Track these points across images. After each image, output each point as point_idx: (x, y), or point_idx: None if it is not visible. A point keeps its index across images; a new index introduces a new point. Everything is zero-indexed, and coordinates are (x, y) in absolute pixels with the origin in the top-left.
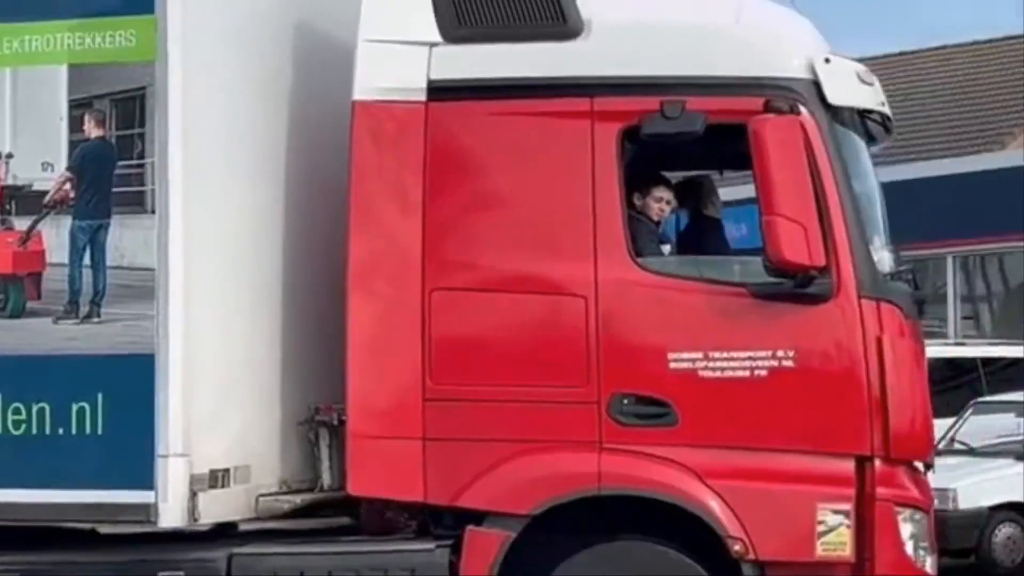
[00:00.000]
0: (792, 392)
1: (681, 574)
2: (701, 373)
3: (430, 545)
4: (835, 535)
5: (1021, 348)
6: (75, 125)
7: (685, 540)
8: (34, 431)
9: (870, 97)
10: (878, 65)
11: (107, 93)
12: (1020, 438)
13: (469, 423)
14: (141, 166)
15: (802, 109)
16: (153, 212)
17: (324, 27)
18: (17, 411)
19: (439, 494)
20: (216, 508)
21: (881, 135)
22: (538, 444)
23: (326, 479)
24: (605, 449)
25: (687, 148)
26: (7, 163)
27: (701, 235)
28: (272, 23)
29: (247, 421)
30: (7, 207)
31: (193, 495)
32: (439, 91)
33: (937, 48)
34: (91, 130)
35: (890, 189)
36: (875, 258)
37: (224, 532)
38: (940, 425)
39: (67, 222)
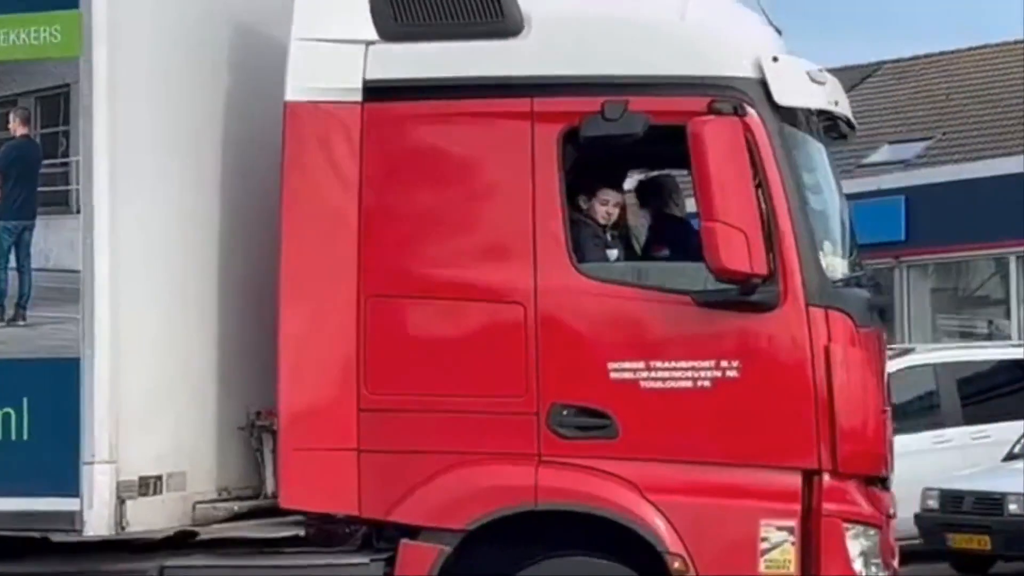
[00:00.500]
0: (736, 404)
1: None
2: (643, 384)
3: (365, 559)
4: (779, 552)
5: None
6: None
7: (627, 556)
8: None
9: (822, 97)
10: (929, 63)
11: (32, 90)
12: None
13: (405, 434)
14: (66, 165)
15: (748, 110)
16: (78, 212)
17: (264, 26)
18: None
19: (374, 507)
20: (148, 516)
21: (842, 135)
22: (475, 456)
23: (269, 485)
24: (544, 462)
25: (634, 150)
26: None
27: (663, 236)
28: (206, 21)
29: (181, 427)
30: None
31: (121, 503)
32: (375, 91)
33: (978, 47)
34: (16, 128)
35: (951, 189)
36: (825, 264)
37: (182, 541)
38: (1011, 428)
39: None
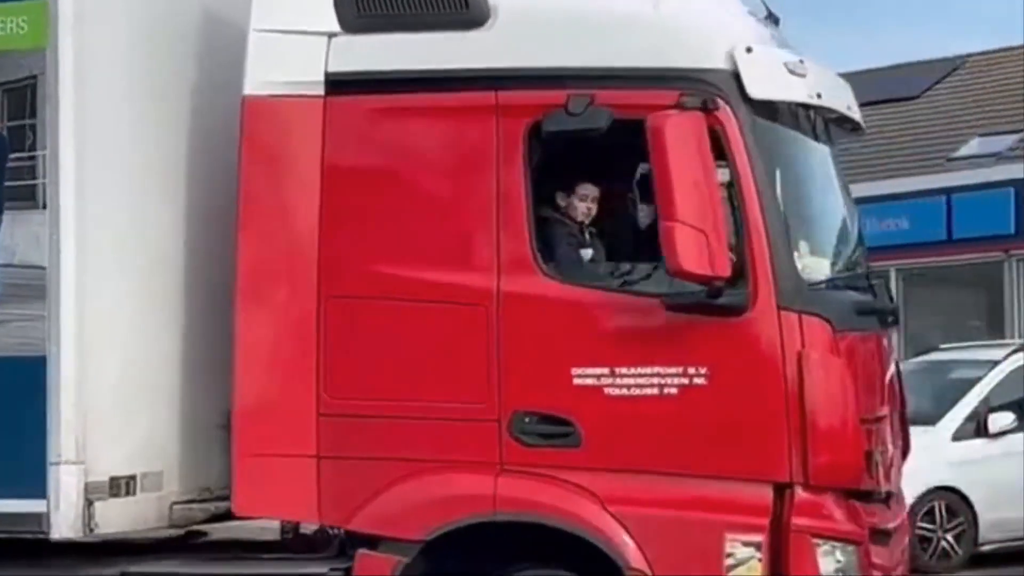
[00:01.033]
0: (703, 412)
1: None
2: (607, 391)
3: (323, 568)
4: (745, 569)
5: None
6: None
7: (591, 568)
8: None
9: (801, 90)
10: (1015, 55)
11: None
12: None
13: (366, 440)
14: (33, 159)
15: (719, 103)
16: (45, 207)
17: (235, 17)
18: None
19: (334, 515)
20: (120, 517)
21: (843, 131)
22: (436, 464)
23: None
24: (505, 471)
25: (606, 145)
26: None
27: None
28: (175, 12)
29: (155, 426)
30: None
31: (89, 504)
32: (338, 85)
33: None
34: None
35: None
36: (803, 266)
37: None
38: None
39: None
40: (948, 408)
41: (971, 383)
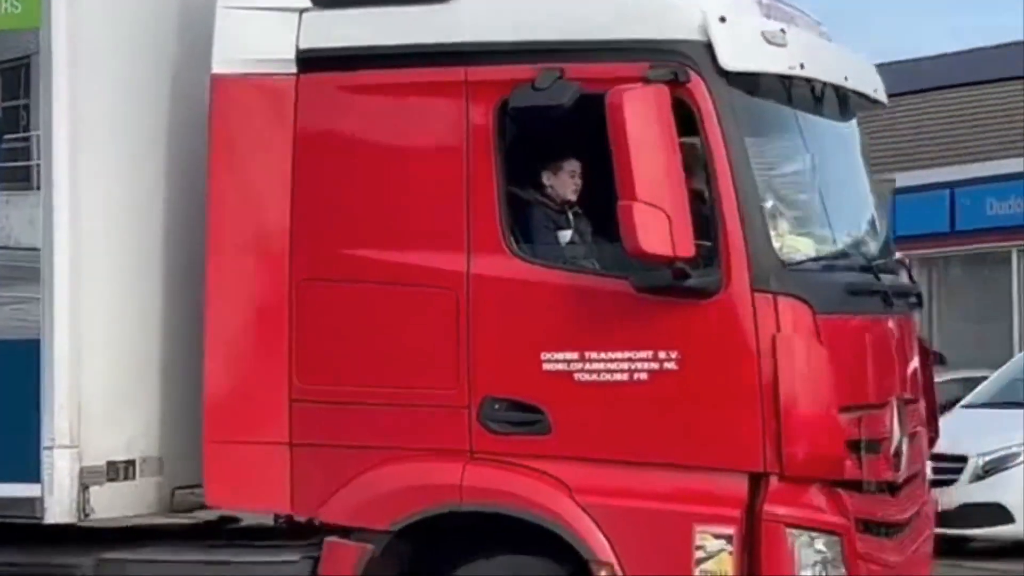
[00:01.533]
0: (674, 399)
1: None
2: (576, 376)
3: (295, 556)
4: (715, 563)
5: None
6: None
7: (562, 555)
8: None
9: (782, 61)
10: None
11: None
12: None
13: (337, 427)
14: (27, 140)
15: (691, 75)
16: (39, 189)
17: None
18: None
19: (306, 505)
20: (118, 502)
21: (840, 104)
22: (407, 452)
23: None
24: (474, 459)
25: (584, 122)
26: None
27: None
28: None
29: (155, 410)
30: None
31: (84, 488)
32: (309, 62)
33: None
34: None
35: None
36: (780, 245)
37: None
38: None
39: None
40: None
41: None
